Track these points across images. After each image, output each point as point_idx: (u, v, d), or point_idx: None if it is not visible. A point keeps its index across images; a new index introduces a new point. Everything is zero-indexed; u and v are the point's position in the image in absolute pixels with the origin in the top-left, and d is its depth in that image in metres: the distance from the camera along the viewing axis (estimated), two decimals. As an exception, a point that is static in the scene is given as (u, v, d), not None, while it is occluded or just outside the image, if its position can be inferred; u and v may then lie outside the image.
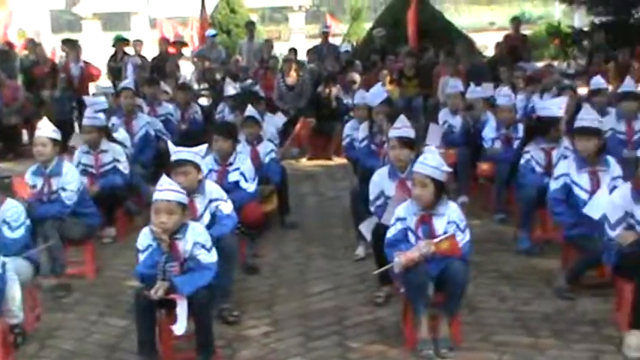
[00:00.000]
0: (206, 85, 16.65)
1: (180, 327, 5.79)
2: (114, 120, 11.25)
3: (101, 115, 9.91)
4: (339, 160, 13.51)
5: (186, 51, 21.46)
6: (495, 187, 9.88)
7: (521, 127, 9.97)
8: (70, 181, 8.25)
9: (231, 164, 8.53)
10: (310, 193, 11.96)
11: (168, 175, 6.43)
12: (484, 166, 9.99)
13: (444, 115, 11.51)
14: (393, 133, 7.45)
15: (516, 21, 20.06)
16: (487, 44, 25.63)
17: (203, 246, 6.10)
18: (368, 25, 26.78)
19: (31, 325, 6.88)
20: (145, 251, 6.07)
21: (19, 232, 6.83)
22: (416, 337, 6.23)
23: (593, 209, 6.97)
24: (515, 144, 9.70)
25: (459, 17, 47.49)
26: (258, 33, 25.71)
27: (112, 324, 7.08)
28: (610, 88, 13.02)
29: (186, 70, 18.81)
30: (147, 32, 41.19)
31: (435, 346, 6.14)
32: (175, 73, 16.93)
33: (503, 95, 10.33)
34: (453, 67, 15.22)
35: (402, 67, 16.39)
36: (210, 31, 20.51)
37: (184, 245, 6.05)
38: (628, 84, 10.24)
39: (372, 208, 7.47)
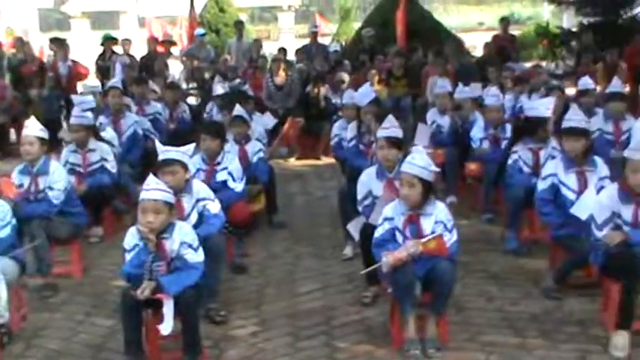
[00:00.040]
0: (195, 85, 16.63)
1: (166, 327, 5.77)
2: (102, 119, 11.24)
3: (89, 114, 9.89)
4: (327, 160, 13.51)
5: (175, 50, 21.45)
6: (483, 187, 9.88)
7: (509, 127, 9.99)
8: (57, 180, 8.21)
9: (219, 164, 8.51)
10: (298, 193, 11.95)
11: (156, 175, 6.41)
12: (472, 166, 10.00)
13: (432, 115, 11.51)
14: (380, 132, 7.44)
15: (505, 21, 20.10)
16: (476, 44, 25.72)
17: (190, 245, 6.08)
18: (357, 25, 26.78)
19: (17, 324, 6.85)
20: (132, 251, 6.06)
21: (5, 232, 6.80)
22: (403, 337, 6.22)
23: (581, 209, 6.98)
24: (503, 144, 9.70)
25: (448, 17, 47.60)
26: (247, 32, 25.66)
27: (99, 324, 7.06)
28: (598, 88, 13.07)
29: (175, 69, 18.79)
30: (136, 31, 41.23)
31: (423, 346, 6.14)
32: (164, 72, 16.91)
33: (492, 95, 10.33)
34: (441, 67, 15.22)
35: (391, 66, 16.39)
36: (199, 31, 20.49)
37: (171, 245, 6.04)
38: (615, 84, 10.26)
39: (359, 208, 7.47)
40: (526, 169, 8.65)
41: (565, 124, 7.55)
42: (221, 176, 8.44)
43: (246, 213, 8.58)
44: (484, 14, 54.66)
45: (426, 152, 6.62)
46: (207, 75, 16.95)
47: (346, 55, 19.11)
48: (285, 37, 41.66)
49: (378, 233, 6.40)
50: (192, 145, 7.33)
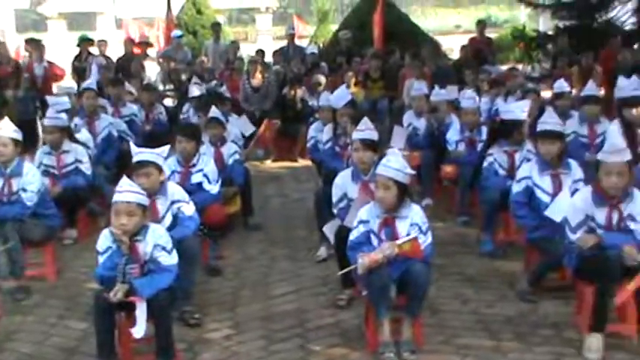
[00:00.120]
0: (171, 86, 16.59)
1: (139, 330, 5.74)
2: (77, 120, 11.17)
3: (63, 116, 9.83)
4: (304, 162, 13.48)
5: (152, 51, 21.36)
6: (459, 189, 9.90)
7: (484, 129, 10.00)
8: (31, 181, 8.13)
9: (194, 165, 8.48)
10: (275, 195, 11.92)
11: (130, 177, 6.38)
12: (448, 169, 10.01)
13: (408, 117, 11.53)
14: (356, 135, 7.43)
15: (481, 24, 20.14)
16: (453, 47, 25.75)
17: (164, 248, 6.05)
18: (335, 27, 26.78)
19: (-11, 327, 6.81)
20: (105, 253, 6.02)
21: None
22: (378, 340, 6.21)
23: (555, 212, 7.01)
24: (479, 147, 9.71)
25: (426, 20, 47.70)
26: (225, 34, 25.64)
27: (72, 327, 7.01)
28: (574, 91, 13.11)
29: (152, 70, 18.71)
30: (113, 32, 41.00)
31: (397, 349, 6.13)
32: (140, 74, 16.84)
33: (468, 98, 10.35)
34: (418, 69, 15.25)
35: (368, 69, 16.40)
36: (176, 32, 20.42)
37: (144, 247, 6.01)
38: (590, 88, 10.30)
39: (335, 211, 7.45)
40: (501, 172, 8.67)
41: (540, 127, 7.58)
42: (196, 178, 8.42)
43: (221, 215, 8.56)
44: (461, 17, 54.85)
45: (401, 155, 6.62)
46: (183, 77, 16.88)
47: (323, 57, 19.09)
48: (262, 39, 41.61)
49: (353, 236, 6.38)
50: (167, 147, 7.30)
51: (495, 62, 18.48)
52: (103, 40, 19.34)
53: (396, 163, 6.26)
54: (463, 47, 18.61)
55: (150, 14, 39.22)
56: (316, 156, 10.67)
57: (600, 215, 6.34)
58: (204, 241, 8.15)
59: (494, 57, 18.90)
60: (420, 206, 6.55)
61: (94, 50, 18.73)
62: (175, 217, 7.00)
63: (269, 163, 14.19)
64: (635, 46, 19.28)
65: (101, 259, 6.02)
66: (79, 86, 16.15)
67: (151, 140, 10.65)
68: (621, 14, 21.34)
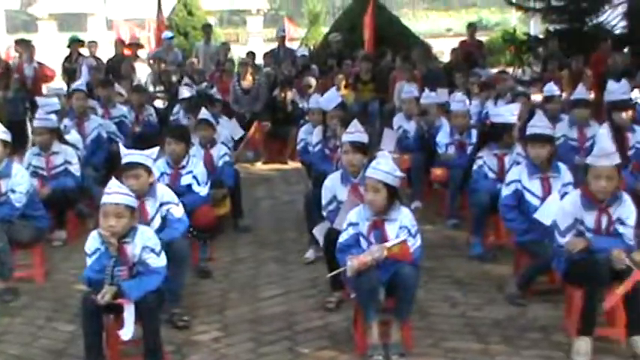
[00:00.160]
0: (161, 88, 16.56)
1: (126, 332, 5.72)
2: (66, 122, 11.14)
3: (53, 117, 9.80)
4: (294, 164, 13.46)
5: (142, 53, 21.33)
6: (449, 192, 9.91)
7: (474, 132, 10.01)
8: (20, 182, 8.11)
9: (183, 167, 8.47)
10: (265, 197, 11.91)
11: (119, 178, 6.37)
12: (438, 172, 9.99)
13: (398, 120, 11.54)
14: (345, 137, 7.42)
15: (472, 27, 20.16)
16: (444, 50, 25.79)
17: (152, 250, 6.03)
18: (326, 30, 26.78)
19: (-23, 329, 6.78)
20: (93, 255, 5.99)
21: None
22: (366, 343, 6.20)
23: (544, 215, 7.01)
24: (469, 150, 9.73)
25: (417, 23, 47.82)
26: (216, 36, 25.62)
27: (60, 329, 6.98)
28: (564, 95, 13.13)
29: (142, 72, 18.68)
30: (104, 33, 41.03)
31: (386, 352, 6.12)
32: (131, 75, 16.82)
33: (458, 101, 10.34)
34: (409, 72, 15.24)
35: (359, 71, 16.42)
36: (167, 34, 20.42)
37: (133, 249, 5.99)
38: (580, 91, 10.30)
39: (324, 213, 7.44)
40: (491, 175, 8.67)
41: (530, 131, 7.58)
42: (185, 180, 8.40)
43: (211, 217, 8.54)
44: (452, 20, 54.93)
45: (391, 157, 6.62)
46: (174, 78, 16.88)
47: (314, 59, 19.10)
48: (253, 41, 41.65)
49: (342, 238, 6.38)
50: (156, 149, 7.30)
51: (486, 65, 18.50)
52: (93, 42, 19.35)
53: (385, 166, 6.25)
54: (454, 50, 18.63)
55: (141, 15, 39.20)
56: (306, 158, 10.66)
57: (589, 219, 6.34)
58: (194, 243, 8.15)
59: (485, 60, 18.92)
60: (409, 209, 6.55)
61: (84, 51, 18.74)
62: (164, 218, 7.00)
63: (259, 165, 14.18)
64: (625, 50, 19.32)
65: (89, 260, 6.00)
66: (69, 87, 16.12)
67: (140, 142, 10.64)
68: (611, 18, 21.41)
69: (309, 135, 10.46)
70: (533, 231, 7.30)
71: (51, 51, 28.81)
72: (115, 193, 5.94)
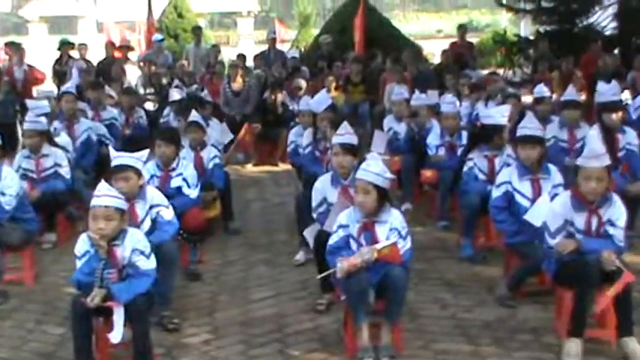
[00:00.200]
0: (152, 90, 16.54)
1: (116, 335, 5.70)
2: (56, 124, 11.13)
3: (43, 119, 9.78)
4: (284, 166, 13.46)
5: (133, 55, 21.32)
6: (439, 194, 9.91)
7: (465, 134, 10.01)
8: (10, 185, 8.08)
9: (173, 170, 8.45)
10: (255, 199, 11.89)
11: (109, 181, 6.35)
12: (428, 173, 9.99)
13: (389, 121, 11.55)
14: (336, 139, 7.42)
15: (462, 29, 20.22)
16: (434, 52, 25.81)
17: (142, 252, 6.01)
18: (316, 32, 26.81)
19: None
20: (83, 258, 5.97)
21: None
22: (356, 345, 6.19)
23: (534, 216, 7.01)
24: (459, 151, 9.73)
25: (407, 24, 47.90)
26: (206, 38, 25.60)
27: (50, 332, 6.96)
28: (554, 96, 13.14)
29: (133, 74, 18.66)
30: (94, 36, 40.96)
31: (376, 354, 6.11)
32: (121, 78, 16.80)
33: (448, 102, 10.34)
34: (399, 74, 15.24)
35: (349, 73, 16.42)
36: (157, 36, 20.42)
37: (123, 252, 5.97)
38: (570, 93, 10.30)
39: (314, 215, 7.44)
40: (481, 177, 8.67)
41: (520, 132, 7.59)
42: (175, 182, 8.38)
43: (201, 219, 8.53)
44: (443, 22, 55.04)
45: (382, 159, 6.61)
46: (164, 80, 16.88)
47: (304, 61, 19.11)
48: (244, 43, 41.64)
49: (332, 240, 6.37)
50: (146, 151, 7.28)
51: (476, 67, 18.54)
52: (83, 44, 19.36)
53: (376, 168, 6.25)
54: (444, 52, 18.65)
55: (131, 18, 39.16)
56: (296, 160, 10.65)
57: (579, 220, 6.34)
58: (184, 246, 8.14)
59: (475, 61, 18.95)
60: (399, 211, 6.54)
61: (74, 54, 18.69)
62: (154, 221, 6.98)
63: (249, 168, 14.17)
64: (616, 51, 19.38)
65: (79, 263, 5.98)
66: (59, 90, 16.08)
67: (131, 144, 10.61)
68: (602, 19, 21.42)
69: (299, 137, 10.45)
70: (523, 232, 7.30)
71: (41, 53, 28.77)
72: (105, 195, 5.92)
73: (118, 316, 5.71)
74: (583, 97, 13.61)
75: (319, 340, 6.64)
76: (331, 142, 7.78)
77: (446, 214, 9.83)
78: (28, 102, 11.85)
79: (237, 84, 15.86)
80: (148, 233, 6.64)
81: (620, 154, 9.12)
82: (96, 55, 21.29)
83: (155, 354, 6.11)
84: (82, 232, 6.18)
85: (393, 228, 6.27)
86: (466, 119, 11.71)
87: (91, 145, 11.29)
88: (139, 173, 6.91)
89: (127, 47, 20.01)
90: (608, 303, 6.06)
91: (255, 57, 19.61)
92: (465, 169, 8.78)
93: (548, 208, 6.64)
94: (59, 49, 18.94)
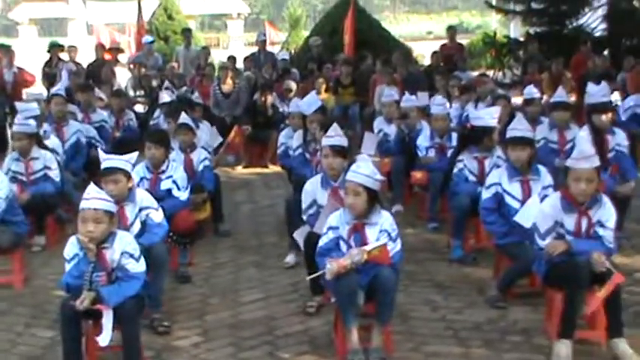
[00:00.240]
0: (142, 92, 16.52)
1: (104, 338, 5.68)
2: (45, 127, 11.09)
3: (32, 122, 9.73)
4: (274, 168, 13.44)
5: (123, 57, 21.30)
6: (429, 195, 9.91)
7: (455, 136, 10.01)
8: (-1, 188, 8.08)
9: (163, 172, 8.44)
10: (245, 202, 11.88)
11: (98, 183, 6.33)
12: (418, 175, 9.99)
13: (379, 123, 11.55)
14: (325, 141, 7.41)
15: (452, 30, 20.25)
16: (424, 53, 25.82)
17: (131, 255, 5.99)
18: (306, 34, 26.85)
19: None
20: (72, 260, 5.95)
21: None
22: (347, 347, 6.17)
23: (524, 217, 7.01)
24: (449, 153, 9.72)
25: (398, 26, 48.01)
26: (196, 40, 25.62)
27: (39, 335, 6.93)
28: (544, 97, 13.15)
29: (123, 76, 18.64)
30: (84, 38, 40.88)
31: (366, 356, 6.09)
32: (111, 80, 16.79)
33: (438, 104, 10.34)
34: (389, 75, 15.24)
35: (339, 75, 16.42)
36: (147, 38, 20.41)
37: (112, 255, 5.95)
38: (560, 94, 10.30)
39: (304, 217, 7.42)
40: (472, 178, 8.67)
41: (510, 134, 7.60)
42: (165, 185, 8.38)
43: (190, 222, 8.51)
44: (434, 23, 55.15)
45: (372, 161, 6.60)
46: (154, 82, 16.87)
47: (295, 63, 19.12)
48: (234, 45, 41.63)
49: (322, 242, 6.35)
50: (136, 154, 7.26)
51: (466, 68, 18.51)
52: (73, 46, 19.36)
53: (366, 169, 6.24)
54: (434, 53, 18.65)
55: (121, 20, 39.19)
56: (286, 162, 10.63)
57: (569, 221, 6.35)
58: (174, 248, 8.12)
59: (465, 63, 18.95)
60: (389, 213, 6.53)
61: (64, 56, 18.65)
62: (144, 223, 6.96)
63: (239, 170, 14.15)
64: (605, 53, 19.40)
65: (68, 266, 5.96)
66: (49, 92, 16.04)
67: (121, 147, 10.59)
68: (591, 21, 21.45)
69: (289, 139, 10.43)
70: (513, 234, 7.31)
71: (31, 56, 28.71)
72: (94, 198, 5.90)
73: (107, 319, 5.69)
74: (573, 98, 13.66)
75: (309, 343, 6.64)
76: (321, 144, 7.77)
77: (436, 216, 9.83)
78: (18, 104, 11.80)
79: (227, 86, 15.85)
80: (138, 236, 6.63)
81: (610, 155, 9.11)
82: (86, 57, 21.25)
83: (145, 357, 6.11)
84: (71, 235, 6.16)
85: (383, 230, 6.26)
86: (456, 121, 11.71)
87: (81, 147, 11.26)
88: (128, 176, 6.90)
89: (116, 49, 20.02)
90: (598, 304, 6.07)
91: (246, 59, 19.59)
92: (455, 170, 8.78)
93: (538, 210, 6.64)
94: (49, 51, 18.90)
